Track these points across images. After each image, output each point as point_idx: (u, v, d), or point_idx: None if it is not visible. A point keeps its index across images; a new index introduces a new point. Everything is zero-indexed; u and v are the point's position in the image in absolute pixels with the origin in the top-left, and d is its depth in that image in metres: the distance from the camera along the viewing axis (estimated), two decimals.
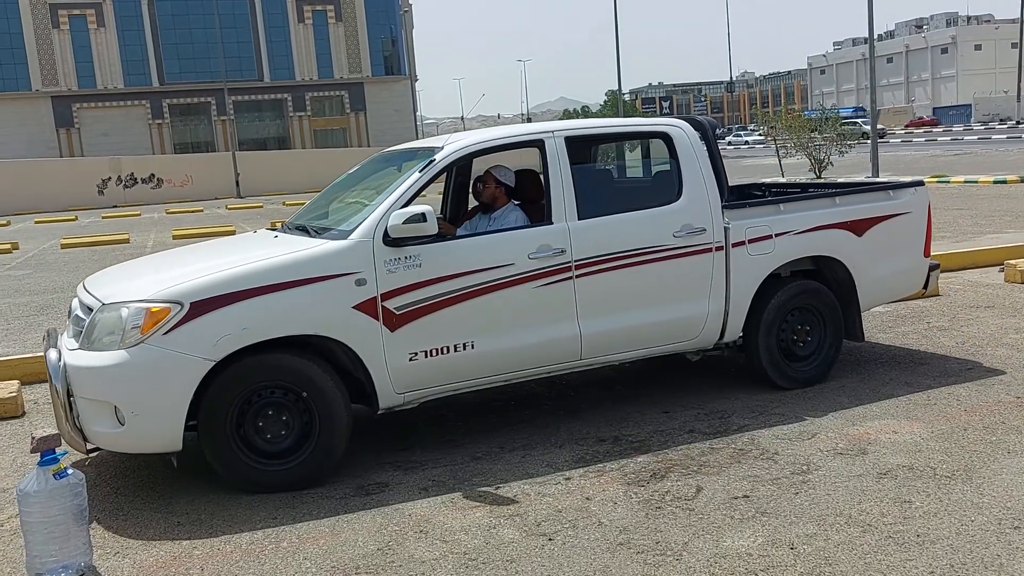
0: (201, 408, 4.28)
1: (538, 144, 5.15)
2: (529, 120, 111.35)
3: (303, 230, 5.14)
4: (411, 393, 4.72)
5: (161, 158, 48.50)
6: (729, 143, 64.69)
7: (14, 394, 6.16)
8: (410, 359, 4.63)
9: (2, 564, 3.83)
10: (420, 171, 4.89)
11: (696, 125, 5.60)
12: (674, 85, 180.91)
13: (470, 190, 6.10)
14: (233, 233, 17.33)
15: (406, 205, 4.69)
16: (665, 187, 5.47)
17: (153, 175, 42.49)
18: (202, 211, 31.48)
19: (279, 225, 5.68)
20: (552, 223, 5.00)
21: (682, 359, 5.91)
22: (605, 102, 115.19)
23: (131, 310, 4.26)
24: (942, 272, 7.54)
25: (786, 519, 3.78)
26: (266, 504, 4.27)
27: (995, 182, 19.99)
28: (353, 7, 61.35)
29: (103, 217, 31.03)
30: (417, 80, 69.27)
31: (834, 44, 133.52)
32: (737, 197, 6.01)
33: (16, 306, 11.17)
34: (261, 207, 31.23)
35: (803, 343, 5.70)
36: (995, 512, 3.72)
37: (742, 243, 5.41)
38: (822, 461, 4.40)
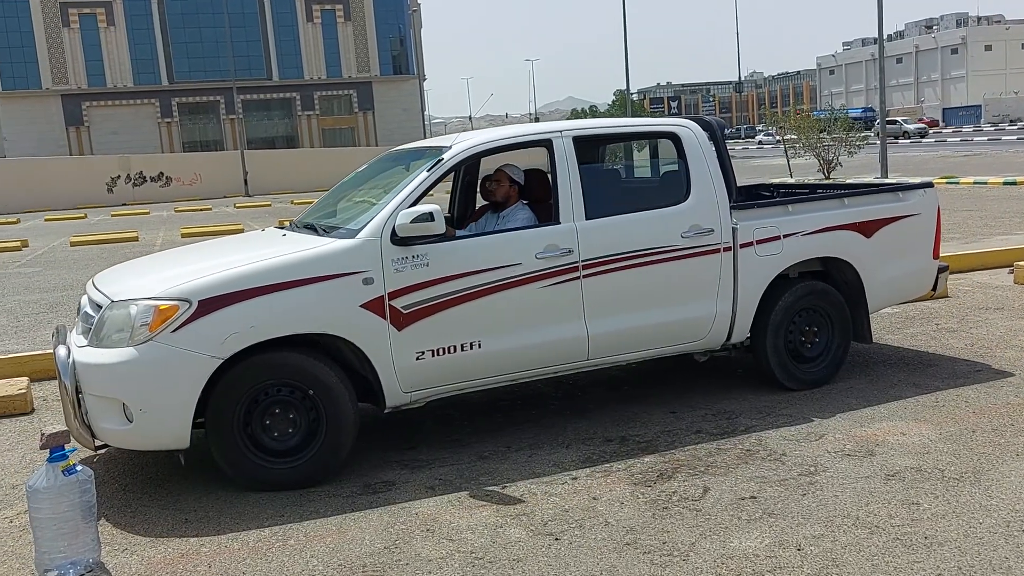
0: (209, 406, 4.29)
1: (546, 144, 5.15)
2: (537, 119, 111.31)
3: (311, 228, 5.15)
4: (418, 392, 4.72)
5: (170, 156, 48.62)
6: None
7: (23, 391, 6.19)
8: (417, 358, 4.63)
9: (11, 560, 3.85)
10: (428, 170, 4.89)
11: (704, 125, 5.59)
12: (682, 85, 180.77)
13: (478, 189, 6.10)
14: (241, 231, 17.36)
15: (414, 204, 4.69)
16: (673, 187, 5.46)
17: (162, 173, 42.58)
18: (211, 209, 31.53)
19: (287, 223, 5.70)
20: (560, 223, 5.00)
21: (689, 359, 5.90)
22: (613, 102, 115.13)
23: (140, 307, 4.27)
24: (951, 273, 7.52)
25: (793, 520, 3.77)
26: (273, 502, 4.29)
27: (1005, 183, 19.91)
28: (362, 6, 61.47)
29: (112, 215, 31.09)
30: (425, 79, 69.39)
31: (843, 44, 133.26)
32: (745, 198, 6.00)
33: (26, 303, 11.23)
34: (269, 206, 31.26)
35: (811, 344, 5.69)
36: (1003, 514, 3.71)
37: (750, 244, 5.39)
38: (830, 462, 4.39)
